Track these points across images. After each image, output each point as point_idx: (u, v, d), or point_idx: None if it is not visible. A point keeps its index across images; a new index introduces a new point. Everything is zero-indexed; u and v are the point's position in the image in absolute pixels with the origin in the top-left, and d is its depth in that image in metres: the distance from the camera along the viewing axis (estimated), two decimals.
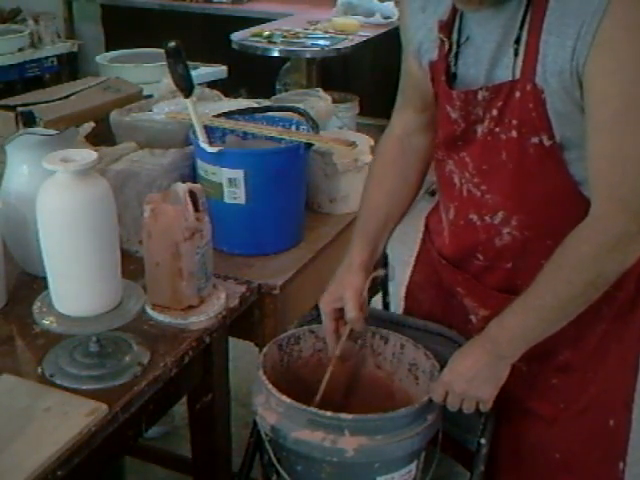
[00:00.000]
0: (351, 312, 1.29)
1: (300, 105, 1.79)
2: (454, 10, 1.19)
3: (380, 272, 1.36)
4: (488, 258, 1.27)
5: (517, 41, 1.10)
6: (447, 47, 1.21)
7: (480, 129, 1.19)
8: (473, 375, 1.18)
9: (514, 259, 1.24)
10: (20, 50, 4.43)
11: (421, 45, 1.27)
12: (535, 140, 1.12)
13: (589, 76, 1.04)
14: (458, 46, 1.20)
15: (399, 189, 1.40)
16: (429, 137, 1.39)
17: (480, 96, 1.16)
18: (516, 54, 1.10)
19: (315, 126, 1.64)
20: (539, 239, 1.19)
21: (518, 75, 1.10)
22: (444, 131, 1.27)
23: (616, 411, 1.32)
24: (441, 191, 1.36)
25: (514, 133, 1.13)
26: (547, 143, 1.12)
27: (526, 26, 1.09)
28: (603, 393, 1.28)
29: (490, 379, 1.19)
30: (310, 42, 3.89)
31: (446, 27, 1.21)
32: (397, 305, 2.41)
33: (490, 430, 1.29)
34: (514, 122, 1.13)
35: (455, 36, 1.20)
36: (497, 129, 1.15)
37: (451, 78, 1.21)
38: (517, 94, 1.11)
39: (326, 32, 4.03)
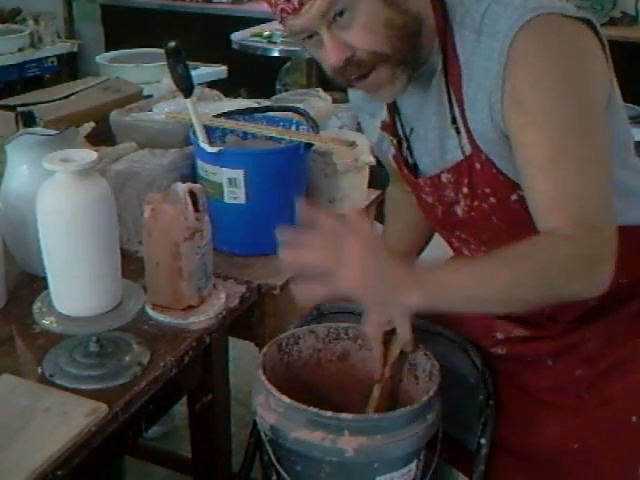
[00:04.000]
0: (406, 334, 1.22)
1: (300, 105, 1.79)
2: (391, 108, 1.25)
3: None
4: None
5: (454, 121, 1.13)
6: (396, 143, 1.27)
7: (459, 209, 1.21)
8: (373, 275, 1.02)
9: None
10: (20, 50, 4.43)
11: (380, 145, 1.34)
12: (514, 197, 1.15)
13: (512, 137, 1.08)
14: (407, 140, 1.25)
15: (417, 219, 1.42)
16: None
17: (444, 179, 1.19)
18: (458, 132, 1.14)
19: (315, 126, 1.64)
20: None
21: (469, 150, 1.14)
22: (429, 217, 1.32)
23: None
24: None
25: (492, 199, 1.16)
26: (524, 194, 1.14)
27: (455, 106, 1.13)
28: (628, 388, 1.27)
29: (391, 282, 1.03)
30: None
31: (388, 126, 1.27)
32: None
33: (490, 430, 1.29)
34: (487, 190, 1.16)
35: (400, 131, 1.26)
36: (475, 203, 1.18)
37: (413, 168, 1.26)
38: (477, 166, 1.14)
39: None
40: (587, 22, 1.07)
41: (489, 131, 1.10)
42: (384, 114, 1.28)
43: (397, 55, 1.09)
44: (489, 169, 1.13)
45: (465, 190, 1.18)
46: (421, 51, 1.13)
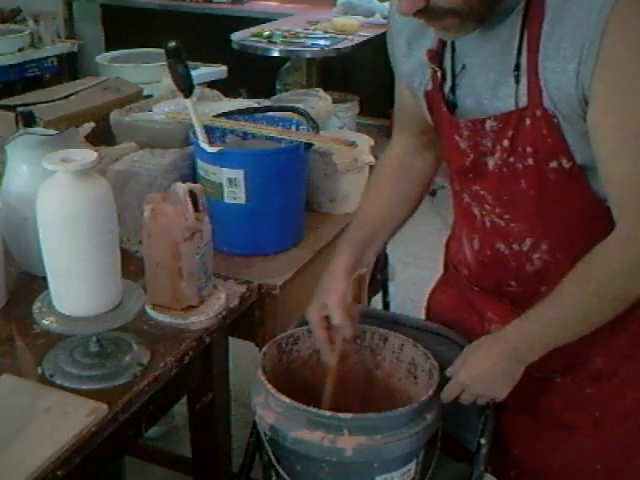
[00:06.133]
0: (336, 319, 1.26)
1: (300, 105, 1.79)
2: (443, 39, 1.17)
3: (362, 271, 1.32)
4: (522, 284, 1.25)
5: (517, 68, 1.06)
6: (440, 76, 1.18)
7: (492, 161, 1.15)
8: (492, 378, 1.19)
9: (550, 282, 1.17)
10: (20, 50, 4.43)
11: (411, 77, 1.25)
12: (554, 164, 1.10)
13: (597, 98, 1.01)
14: (454, 75, 1.16)
15: (393, 203, 1.38)
16: (428, 158, 1.39)
17: (488, 126, 1.12)
18: (517, 81, 1.07)
19: (315, 126, 1.64)
20: (572, 260, 1.13)
21: (523, 103, 1.07)
22: (454, 161, 1.23)
23: None
24: (461, 222, 1.32)
25: (530, 161, 1.10)
26: (567, 165, 1.09)
27: (524, 51, 1.05)
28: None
29: (507, 382, 1.19)
30: (310, 42, 3.89)
31: (436, 56, 1.18)
32: (397, 305, 2.42)
33: (490, 430, 1.29)
34: (529, 150, 1.09)
35: (449, 65, 1.17)
36: (511, 159, 1.12)
37: (451, 107, 1.19)
38: (527, 121, 1.07)
39: (326, 32, 4.03)
40: None
41: (568, 84, 1.02)
42: (430, 43, 1.19)
43: (471, 13, 1.03)
44: (539, 128, 1.07)
45: (505, 143, 1.11)
46: (500, 5, 1.05)
